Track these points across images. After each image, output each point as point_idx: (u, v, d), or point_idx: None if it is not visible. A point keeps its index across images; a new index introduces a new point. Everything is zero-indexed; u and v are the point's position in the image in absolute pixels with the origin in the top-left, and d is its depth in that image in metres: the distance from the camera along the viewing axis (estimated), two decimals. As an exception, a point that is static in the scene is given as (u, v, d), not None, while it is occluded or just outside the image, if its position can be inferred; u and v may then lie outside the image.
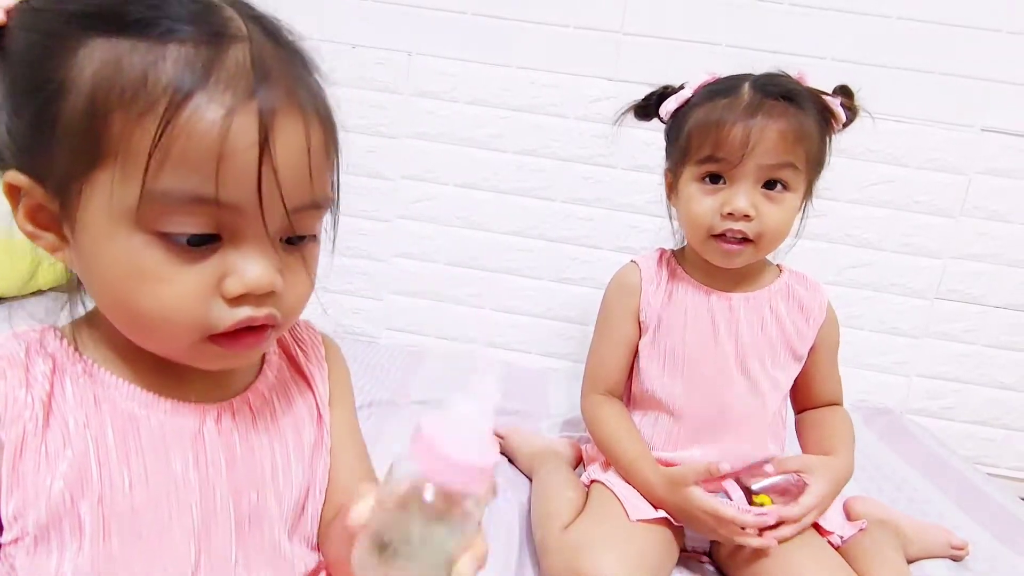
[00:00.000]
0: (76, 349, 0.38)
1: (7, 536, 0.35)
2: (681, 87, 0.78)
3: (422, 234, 1.38)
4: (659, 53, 1.28)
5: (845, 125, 0.75)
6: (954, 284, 1.32)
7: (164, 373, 0.39)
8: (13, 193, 0.36)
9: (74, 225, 0.34)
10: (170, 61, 0.32)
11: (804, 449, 0.81)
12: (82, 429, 0.36)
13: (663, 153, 1.26)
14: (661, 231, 1.34)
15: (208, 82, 0.32)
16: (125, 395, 0.38)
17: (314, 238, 0.39)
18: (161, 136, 0.31)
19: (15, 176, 0.35)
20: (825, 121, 0.73)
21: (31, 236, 0.36)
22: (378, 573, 0.32)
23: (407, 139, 1.35)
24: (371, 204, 1.38)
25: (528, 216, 1.36)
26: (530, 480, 0.89)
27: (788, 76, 0.74)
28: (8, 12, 0.35)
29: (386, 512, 0.32)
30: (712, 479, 0.68)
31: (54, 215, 0.35)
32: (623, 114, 0.83)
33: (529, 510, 0.82)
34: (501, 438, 0.98)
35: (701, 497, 0.67)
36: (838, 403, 0.83)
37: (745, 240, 0.72)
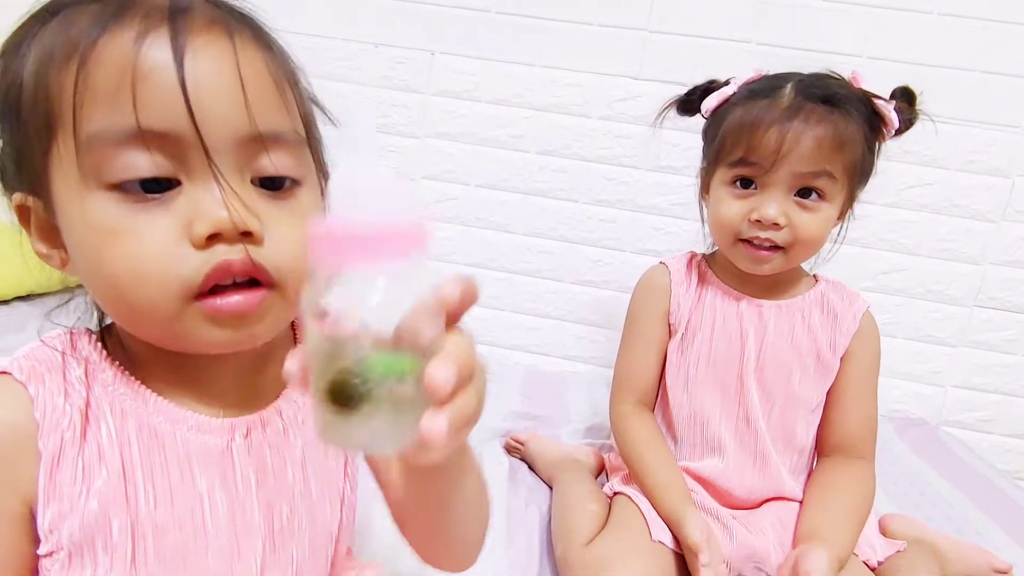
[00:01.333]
0: (108, 354, 0.37)
1: (43, 548, 0.34)
2: (727, 82, 0.75)
3: (443, 235, 1.36)
4: (686, 51, 1.25)
5: (900, 131, 0.70)
6: (994, 291, 1.26)
7: (192, 384, 0.38)
8: (24, 216, 0.36)
9: (57, 219, 0.34)
10: (88, 15, 0.32)
11: (803, 507, 0.73)
12: (115, 444, 0.36)
13: (690, 154, 1.24)
14: (685, 234, 1.33)
15: (123, 18, 0.32)
16: (152, 408, 0.37)
17: (298, 184, 0.35)
18: (78, 75, 0.31)
19: (18, 196, 0.35)
20: (873, 128, 0.69)
21: (44, 257, 0.36)
22: (342, 434, 0.25)
23: (428, 139, 1.34)
24: None
25: (550, 217, 1.34)
26: (550, 488, 0.87)
27: (837, 77, 0.70)
28: None
29: (324, 346, 0.24)
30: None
31: (54, 228, 0.35)
32: (666, 109, 0.80)
33: (549, 520, 0.80)
34: (521, 444, 0.97)
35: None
36: (864, 454, 0.74)
37: (775, 247, 0.69)
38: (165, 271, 0.32)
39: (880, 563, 0.70)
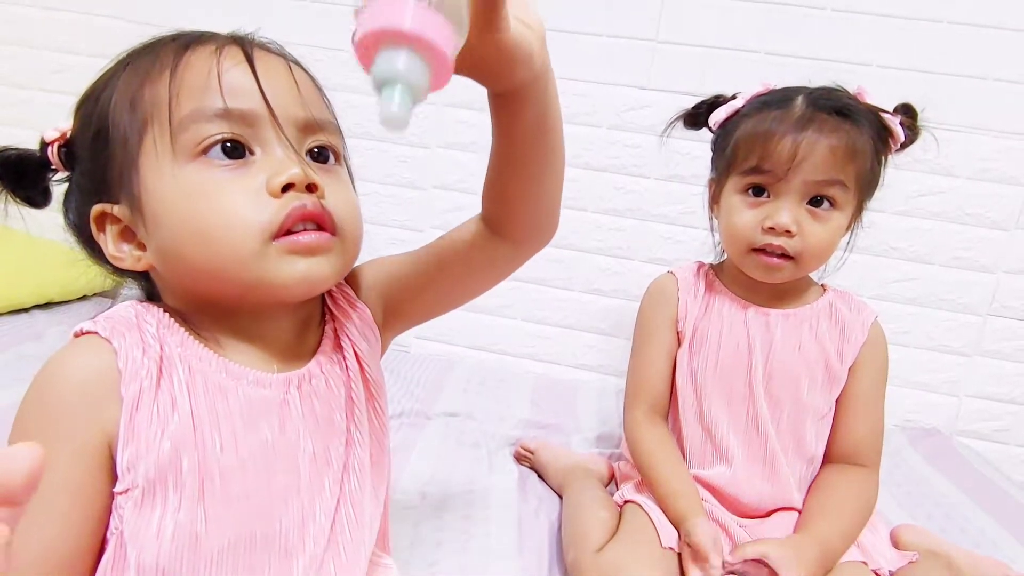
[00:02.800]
0: (174, 320, 0.43)
1: (120, 485, 0.38)
2: (733, 96, 0.76)
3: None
4: (694, 61, 1.26)
5: (904, 145, 0.71)
6: (1009, 300, 1.25)
7: (247, 344, 0.44)
8: (101, 224, 0.43)
9: (142, 211, 0.40)
10: (169, 46, 0.42)
11: (803, 511, 0.73)
12: (185, 393, 0.40)
13: (699, 164, 1.25)
14: (694, 242, 1.33)
15: (200, 43, 0.42)
16: (216, 367, 0.42)
17: (338, 161, 0.45)
18: (172, 78, 0.39)
19: (98, 208, 0.42)
20: (881, 140, 0.70)
21: (116, 259, 0.43)
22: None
23: (439, 149, 1.35)
24: (404, 214, 1.38)
25: (560, 226, 1.34)
26: (559, 496, 0.88)
27: (845, 91, 0.71)
28: (72, 117, 0.45)
29: None
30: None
31: (131, 230, 0.42)
32: (672, 123, 0.81)
33: (559, 528, 0.80)
34: (530, 452, 0.97)
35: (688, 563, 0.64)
36: (868, 463, 0.74)
37: (785, 256, 0.70)
38: (250, 217, 0.39)
39: (892, 574, 0.69)
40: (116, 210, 0.42)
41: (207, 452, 0.39)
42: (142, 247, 0.42)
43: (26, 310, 1.29)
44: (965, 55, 1.20)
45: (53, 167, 0.46)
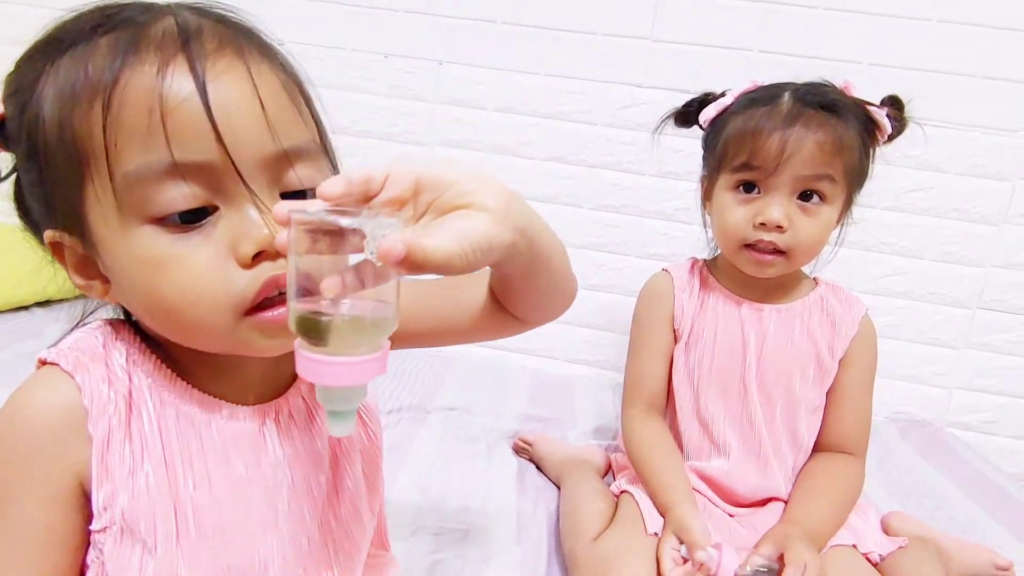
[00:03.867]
0: (146, 345, 0.39)
1: (97, 524, 0.36)
2: (723, 94, 0.77)
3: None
4: (689, 60, 1.27)
5: (892, 137, 0.73)
6: (996, 294, 1.27)
7: (225, 376, 0.40)
8: (58, 252, 0.38)
9: (98, 253, 0.35)
10: (103, 50, 0.33)
11: (790, 497, 0.75)
12: (155, 430, 0.38)
13: (693, 160, 1.26)
14: (688, 238, 1.35)
15: (138, 52, 0.33)
16: (187, 398, 0.39)
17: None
18: (106, 118, 0.32)
19: (50, 234, 0.37)
20: (868, 133, 0.71)
21: (83, 288, 0.38)
22: (320, 359, 0.31)
23: (437, 146, 1.36)
24: None
25: (556, 223, 1.31)
26: (558, 488, 0.89)
27: (831, 86, 0.72)
28: (3, 101, 0.37)
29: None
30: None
31: (91, 260, 0.36)
32: (663, 121, 0.82)
33: (558, 519, 0.82)
34: (529, 445, 0.99)
35: (663, 550, 0.64)
36: (854, 451, 0.76)
37: (777, 251, 0.71)
38: (217, 292, 0.34)
39: (882, 557, 0.71)
40: (69, 240, 0.36)
41: (179, 491, 0.37)
42: (107, 281, 0.37)
43: (26, 308, 1.29)
44: (955, 53, 1.22)
45: None
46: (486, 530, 0.79)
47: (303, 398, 0.43)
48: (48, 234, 0.37)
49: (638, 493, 0.74)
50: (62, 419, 0.36)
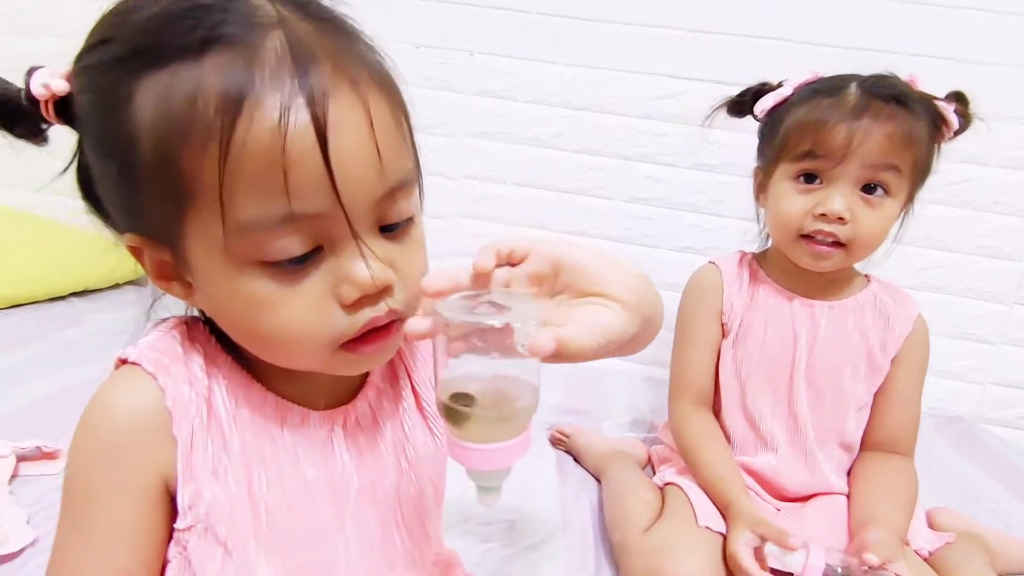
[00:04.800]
0: (221, 347, 0.40)
1: (182, 523, 0.37)
2: (779, 84, 0.76)
3: (482, 233, 1.39)
4: (727, 50, 1.26)
5: (957, 133, 0.72)
6: (1035, 289, 1.26)
7: (296, 380, 0.40)
8: (136, 253, 0.37)
9: (191, 269, 0.35)
10: (212, 77, 0.31)
11: (851, 500, 0.75)
12: (232, 430, 0.38)
13: (726, 152, 1.25)
14: (722, 231, 1.34)
15: (253, 87, 0.31)
16: (262, 401, 0.40)
17: (411, 218, 0.37)
18: (224, 165, 0.31)
19: (130, 239, 0.37)
20: (936, 128, 0.70)
21: (163, 288, 0.38)
22: (464, 444, 0.33)
23: (468, 138, 1.36)
24: (432, 202, 1.35)
25: (588, 215, 1.36)
26: (597, 480, 0.90)
27: (898, 78, 0.71)
28: (68, 78, 0.36)
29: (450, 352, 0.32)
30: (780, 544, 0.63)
31: (173, 265, 0.36)
32: (715, 110, 0.81)
33: (600, 510, 0.82)
34: (566, 437, 0.99)
35: (738, 545, 0.64)
36: (906, 452, 0.76)
37: (836, 244, 0.70)
38: (318, 332, 0.35)
39: (931, 553, 0.71)
40: (155, 250, 0.36)
41: (255, 491, 0.38)
42: (190, 286, 0.37)
43: (63, 298, 1.31)
44: (996, 43, 1.19)
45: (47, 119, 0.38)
46: (531, 520, 0.79)
47: (369, 404, 0.44)
48: (129, 238, 0.37)
49: (687, 485, 0.75)
50: (147, 422, 0.36)
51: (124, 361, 0.38)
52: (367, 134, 0.33)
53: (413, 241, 0.38)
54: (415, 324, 0.34)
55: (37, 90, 0.36)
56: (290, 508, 0.39)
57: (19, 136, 0.39)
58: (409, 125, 0.37)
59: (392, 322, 0.37)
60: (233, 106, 0.31)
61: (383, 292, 0.35)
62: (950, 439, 1.17)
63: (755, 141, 0.81)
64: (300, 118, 0.31)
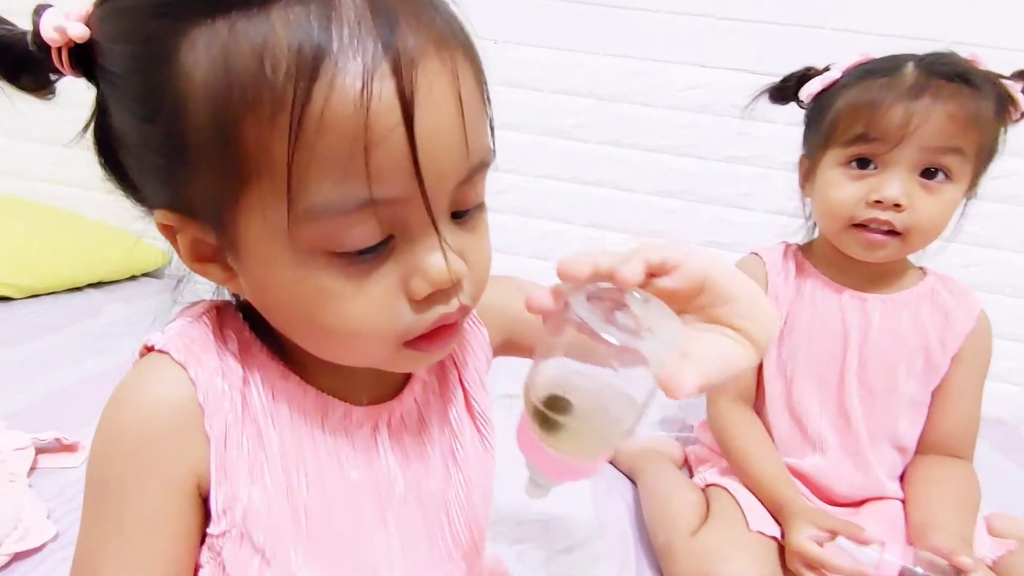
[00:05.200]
0: (256, 335, 0.36)
1: (215, 527, 0.34)
2: (826, 69, 0.73)
3: (505, 226, 1.36)
4: (756, 38, 1.22)
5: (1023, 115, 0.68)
6: (1078, 286, 1.21)
7: (338, 373, 0.36)
8: (168, 232, 0.33)
9: (238, 253, 0.32)
10: (282, 34, 0.26)
11: (908, 504, 0.71)
12: (271, 426, 0.35)
13: (754, 144, 1.22)
14: (750, 225, 1.30)
15: (331, 47, 0.26)
16: (301, 395, 0.36)
17: (482, 203, 0.34)
18: (296, 140, 0.26)
19: (164, 215, 0.32)
20: (1003, 108, 0.66)
21: (199, 272, 0.34)
22: (545, 450, 0.30)
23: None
24: None
25: (611, 208, 1.33)
26: (631, 480, 0.87)
27: (959, 56, 0.68)
28: (88, 22, 0.31)
29: (556, 350, 0.28)
30: (851, 536, 0.60)
31: (214, 246, 0.32)
32: (756, 98, 0.78)
33: (637, 511, 0.79)
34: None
35: (802, 540, 0.61)
36: (965, 455, 0.73)
37: (891, 232, 0.67)
38: (384, 329, 0.32)
39: (995, 562, 0.67)
40: (193, 229, 0.32)
41: (294, 492, 0.35)
42: (231, 271, 0.33)
43: (80, 289, 1.29)
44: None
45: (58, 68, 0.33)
46: (565, 521, 0.76)
47: (416, 400, 0.41)
48: (163, 215, 0.32)
49: (734, 486, 0.71)
50: (179, 415, 0.33)
51: (150, 349, 0.34)
52: (455, 108, 0.29)
53: (482, 229, 0.34)
54: (538, 298, 0.31)
55: (48, 34, 0.31)
56: (330, 510, 0.36)
57: (23, 88, 0.34)
58: (488, 95, 0.33)
59: (457, 326, 0.34)
60: (308, 71, 0.26)
61: (455, 287, 0.32)
62: (993, 441, 1.13)
63: (787, 133, 0.77)
64: (385, 89, 0.27)
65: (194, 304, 0.37)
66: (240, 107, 0.27)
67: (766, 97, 0.78)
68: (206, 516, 0.34)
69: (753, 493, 0.70)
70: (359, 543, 0.37)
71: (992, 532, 0.76)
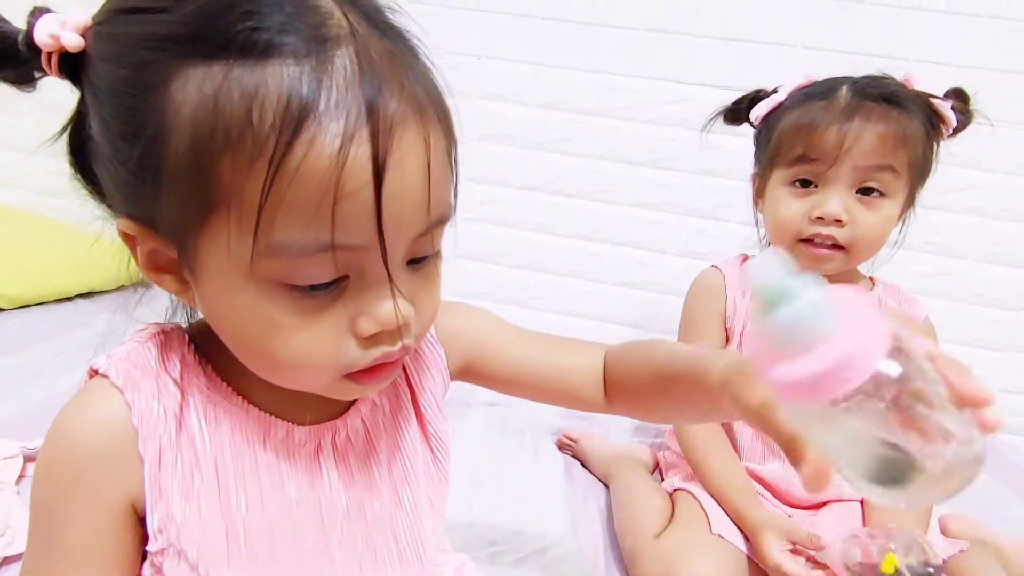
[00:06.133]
0: (202, 357, 0.38)
1: (153, 545, 0.35)
2: (774, 91, 0.77)
3: (488, 237, 1.39)
4: (733, 55, 1.26)
5: (957, 130, 0.72)
6: (1043, 296, 1.26)
7: (282, 393, 0.37)
8: (128, 239, 0.34)
9: (195, 271, 0.33)
10: (273, 88, 0.28)
11: (864, 508, 0.74)
12: (208, 449, 0.36)
13: (735, 157, 1.25)
14: (728, 236, 1.34)
15: (317, 108, 0.28)
16: (243, 416, 0.38)
17: (438, 251, 0.36)
18: (271, 186, 0.28)
19: (127, 224, 0.33)
20: (932, 126, 0.70)
21: (154, 280, 0.35)
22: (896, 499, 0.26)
23: (474, 142, 1.36)
24: None
25: (594, 220, 1.36)
26: (604, 485, 0.89)
27: (892, 79, 0.72)
28: (84, 34, 0.32)
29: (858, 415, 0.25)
30: (802, 550, 0.63)
31: (173, 259, 0.34)
32: (712, 119, 0.81)
33: (609, 515, 0.82)
34: (573, 441, 0.99)
35: (775, 553, 0.63)
36: None
37: (836, 246, 0.70)
38: (329, 362, 0.33)
39: (944, 562, 0.70)
40: (154, 241, 0.33)
41: (232, 512, 0.36)
42: (186, 283, 0.34)
43: (70, 299, 1.31)
44: (1004, 49, 1.19)
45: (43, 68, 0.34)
46: (541, 523, 0.79)
47: (363, 420, 0.41)
48: (125, 223, 0.33)
49: (698, 492, 0.74)
50: (111, 439, 0.34)
51: (96, 372, 0.36)
52: (422, 173, 0.31)
53: (434, 276, 0.36)
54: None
55: (42, 39, 0.32)
56: (271, 531, 0.37)
57: (6, 81, 0.35)
58: (456, 158, 0.35)
59: (399, 363, 0.36)
60: (292, 126, 0.28)
61: (401, 329, 0.33)
62: (959, 446, 1.16)
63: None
64: (361, 152, 0.29)
65: (143, 328, 0.39)
66: (222, 146, 0.29)
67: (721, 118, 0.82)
68: (146, 535, 0.36)
69: (714, 498, 0.72)
70: (300, 562, 0.38)
71: (946, 532, 0.79)
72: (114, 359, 0.36)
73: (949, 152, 1.21)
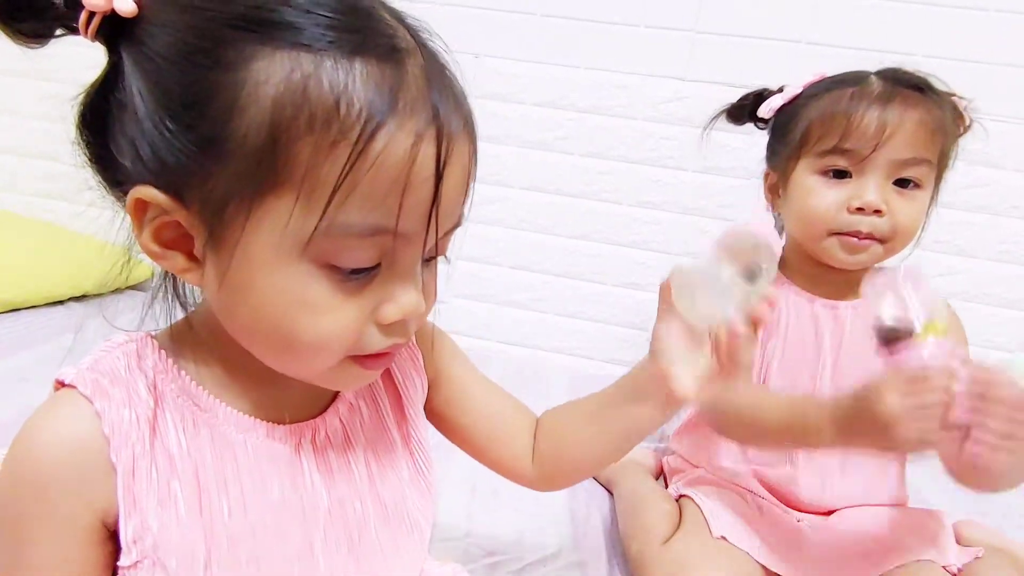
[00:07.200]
0: (175, 363, 0.37)
1: (126, 559, 0.34)
2: (780, 89, 0.74)
3: (486, 237, 1.37)
4: (734, 52, 1.24)
5: (963, 132, 0.70)
6: (1054, 295, 1.23)
7: (261, 393, 0.38)
8: (139, 210, 0.33)
9: (224, 247, 0.32)
10: (360, 83, 0.31)
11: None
12: (186, 454, 0.36)
13: (735, 155, 1.23)
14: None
15: (397, 107, 0.31)
16: (222, 418, 0.37)
17: (443, 254, 0.39)
18: (351, 168, 0.30)
19: (150, 193, 0.32)
20: (956, 120, 0.68)
21: (155, 256, 0.34)
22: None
23: (473, 141, 1.34)
24: None
25: (594, 220, 1.34)
26: (607, 491, 0.87)
27: (914, 71, 0.69)
28: (141, 2, 0.32)
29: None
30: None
31: (186, 235, 0.33)
32: (715, 117, 0.79)
33: (612, 521, 0.79)
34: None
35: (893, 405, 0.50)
36: None
37: (871, 237, 0.67)
38: (347, 345, 0.35)
39: (960, 569, 0.68)
40: (178, 215, 0.32)
41: (214, 518, 0.36)
42: (195, 260, 0.34)
43: (62, 302, 1.29)
44: (1011, 44, 1.17)
45: (72, 26, 0.32)
46: (540, 532, 0.76)
47: (340, 419, 0.42)
48: (143, 191, 0.32)
49: (699, 497, 0.72)
50: (79, 453, 0.33)
51: (63, 383, 0.35)
52: (464, 176, 0.35)
53: (436, 273, 0.39)
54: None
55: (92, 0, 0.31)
56: (254, 534, 0.37)
57: (17, 33, 0.32)
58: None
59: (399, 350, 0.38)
60: (376, 119, 0.31)
61: (414, 321, 0.36)
62: (970, 449, 1.14)
63: (760, 144, 0.79)
64: (428, 150, 0.32)
65: (108, 339, 0.38)
66: (305, 128, 0.30)
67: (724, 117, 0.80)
68: (117, 550, 0.35)
69: (792, 444, 0.64)
70: (284, 563, 0.38)
71: (961, 540, 0.76)
72: (80, 369, 0.35)
73: (960, 149, 1.21)
